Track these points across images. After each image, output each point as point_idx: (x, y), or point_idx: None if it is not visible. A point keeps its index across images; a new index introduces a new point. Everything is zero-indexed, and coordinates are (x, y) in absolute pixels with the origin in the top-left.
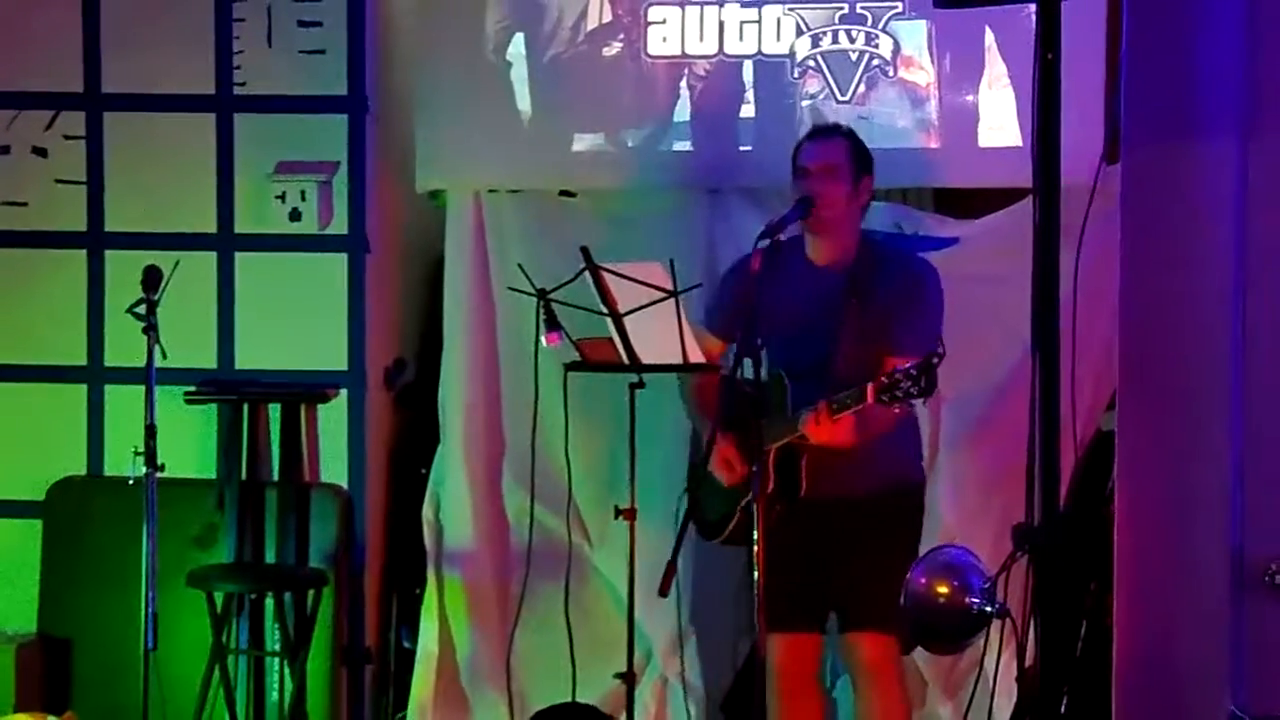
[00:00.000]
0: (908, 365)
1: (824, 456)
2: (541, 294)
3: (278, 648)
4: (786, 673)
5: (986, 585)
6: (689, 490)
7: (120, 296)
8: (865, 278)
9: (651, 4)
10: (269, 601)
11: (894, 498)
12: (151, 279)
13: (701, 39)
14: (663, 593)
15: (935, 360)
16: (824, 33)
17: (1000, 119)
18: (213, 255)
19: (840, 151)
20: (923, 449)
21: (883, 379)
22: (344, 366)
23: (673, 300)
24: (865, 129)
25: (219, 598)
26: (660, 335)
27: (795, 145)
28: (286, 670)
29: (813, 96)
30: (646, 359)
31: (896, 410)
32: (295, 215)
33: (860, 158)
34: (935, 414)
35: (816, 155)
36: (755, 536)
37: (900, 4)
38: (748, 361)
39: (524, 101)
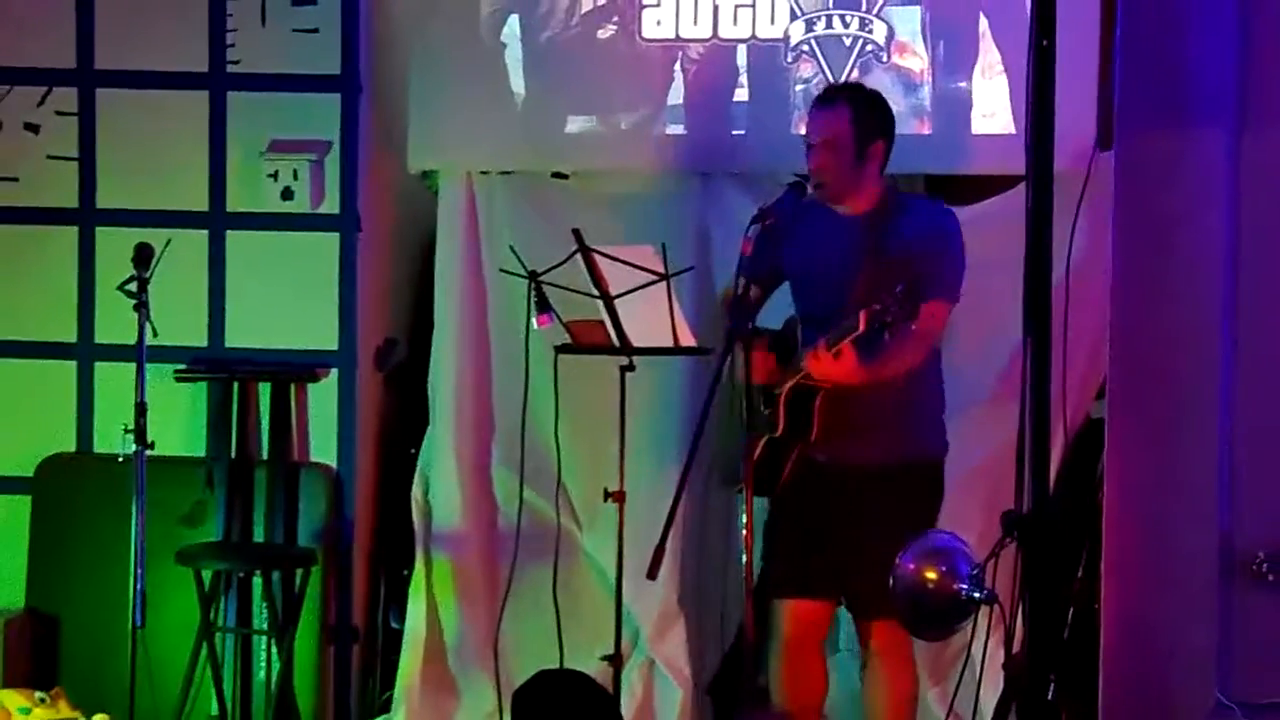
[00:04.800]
0: (897, 289)
1: (838, 400)
2: (533, 276)
3: (265, 626)
4: (793, 641)
5: (975, 571)
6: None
7: (111, 274)
8: (887, 224)
9: None
10: (257, 580)
11: (912, 471)
12: (143, 256)
13: (696, 22)
14: (651, 575)
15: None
16: (818, 17)
17: (993, 106)
18: (204, 233)
19: (841, 121)
20: (944, 419)
21: (875, 306)
22: (334, 346)
23: (664, 283)
24: None
25: (207, 576)
26: (651, 318)
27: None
28: (274, 649)
29: (806, 81)
30: (637, 342)
31: (887, 337)
32: (287, 194)
33: (867, 122)
34: None
35: (817, 127)
36: (744, 522)
37: None
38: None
39: (517, 83)
